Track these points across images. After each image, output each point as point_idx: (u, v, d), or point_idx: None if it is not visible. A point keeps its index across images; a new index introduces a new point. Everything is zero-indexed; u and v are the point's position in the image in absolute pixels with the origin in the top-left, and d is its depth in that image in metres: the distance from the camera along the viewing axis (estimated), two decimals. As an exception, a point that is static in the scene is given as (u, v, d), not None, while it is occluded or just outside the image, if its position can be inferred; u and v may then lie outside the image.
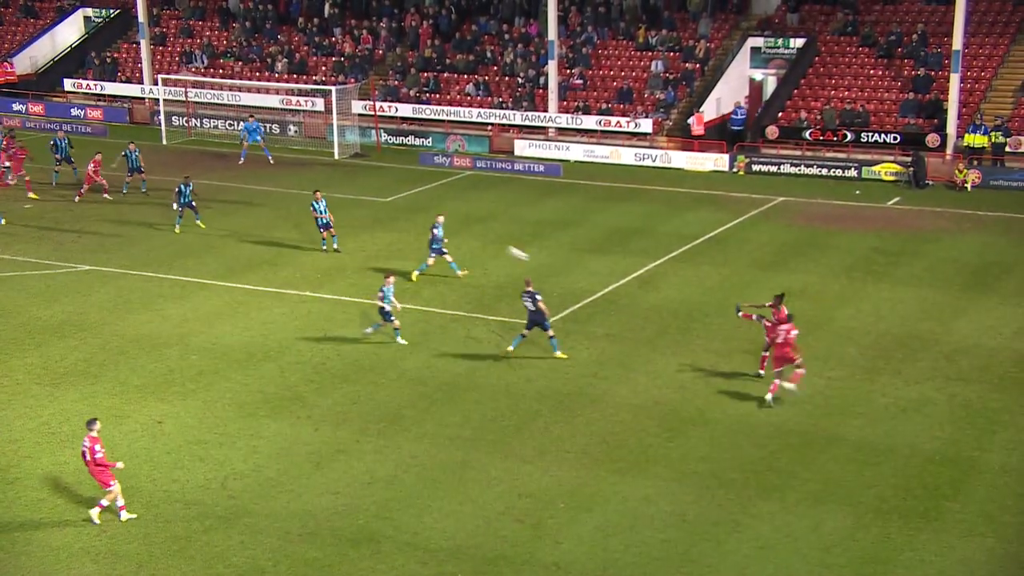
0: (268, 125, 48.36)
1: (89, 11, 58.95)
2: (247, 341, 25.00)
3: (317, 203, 31.41)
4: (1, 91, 54.80)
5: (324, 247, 31.76)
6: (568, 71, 48.73)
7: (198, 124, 49.83)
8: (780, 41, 47.23)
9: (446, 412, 21.45)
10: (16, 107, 53.18)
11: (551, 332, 23.85)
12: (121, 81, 54.15)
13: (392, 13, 54.43)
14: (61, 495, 18.27)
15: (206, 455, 19.70)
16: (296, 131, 49.06)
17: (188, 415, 21.27)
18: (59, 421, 20.86)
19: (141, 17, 52.78)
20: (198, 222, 33.86)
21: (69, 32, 58.51)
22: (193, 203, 33.77)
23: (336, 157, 45.53)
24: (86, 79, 54.55)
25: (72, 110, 52.66)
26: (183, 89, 50.20)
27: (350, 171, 43.46)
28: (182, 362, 23.78)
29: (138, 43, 53.84)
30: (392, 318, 24.65)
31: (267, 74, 52.68)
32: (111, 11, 58.28)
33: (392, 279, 24.85)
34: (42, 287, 28.62)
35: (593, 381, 22.90)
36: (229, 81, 51.16)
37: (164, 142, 47.22)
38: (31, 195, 37.56)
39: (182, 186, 33.64)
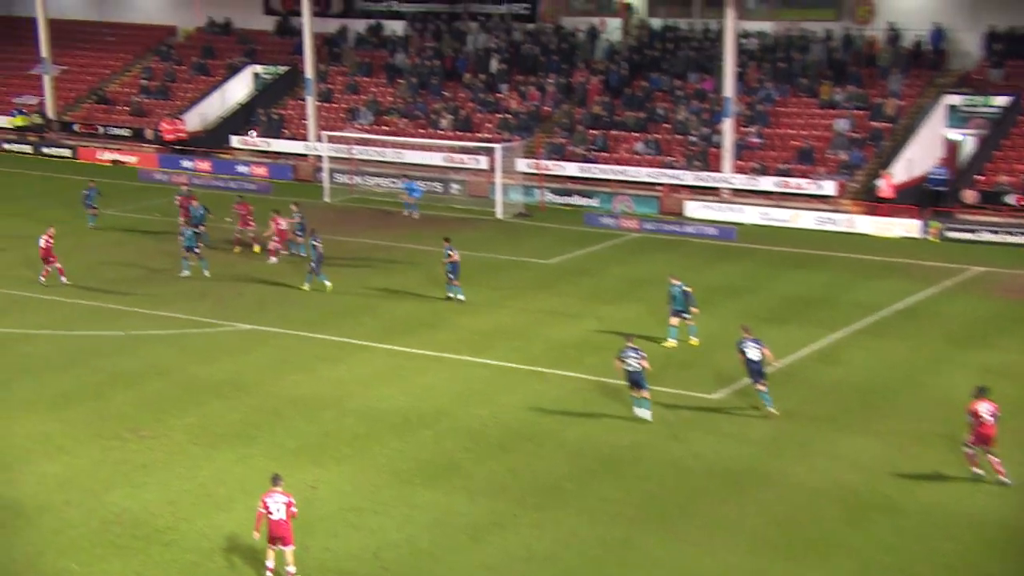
0: (430, 183, 49.60)
1: (259, 68, 61.97)
2: (404, 405, 25.43)
3: (450, 250, 33.33)
4: (172, 148, 58.01)
5: (450, 294, 33.41)
6: (744, 129, 48.37)
7: (361, 181, 51.50)
8: (981, 99, 45.85)
9: (608, 486, 21.27)
10: (185, 164, 56.13)
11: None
12: (286, 138, 56.58)
13: (560, 68, 55.28)
14: (216, 558, 18.86)
15: (360, 523, 20.04)
16: (459, 189, 50.13)
17: (342, 480, 21.71)
18: (215, 483, 21.57)
19: (308, 73, 55.15)
20: (325, 282, 34.68)
21: (238, 89, 61.61)
22: (313, 264, 34.49)
23: (499, 216, 46.23)
24: (253, 135, 57.21)
25: (238, 167, 55.22)
26: (347, 146, 52.06)
27: (513, 231, 44.01)
28: (338, 425, 24.34)
29: (304, 100, 56.22)
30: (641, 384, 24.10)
31: (431, 131, 54.14)
32: (280, 68, 61.12)
33: (632, 341, 24.64)
34: (203, 345, 29.88)
35: (767, 459, 22.36)
36: (393, 138, 52.80)
37: (327, 199, 48.96)
38: (266, 256, 38.44)
39: (313, 242, 34.68)
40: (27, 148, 60.94)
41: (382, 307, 33.34)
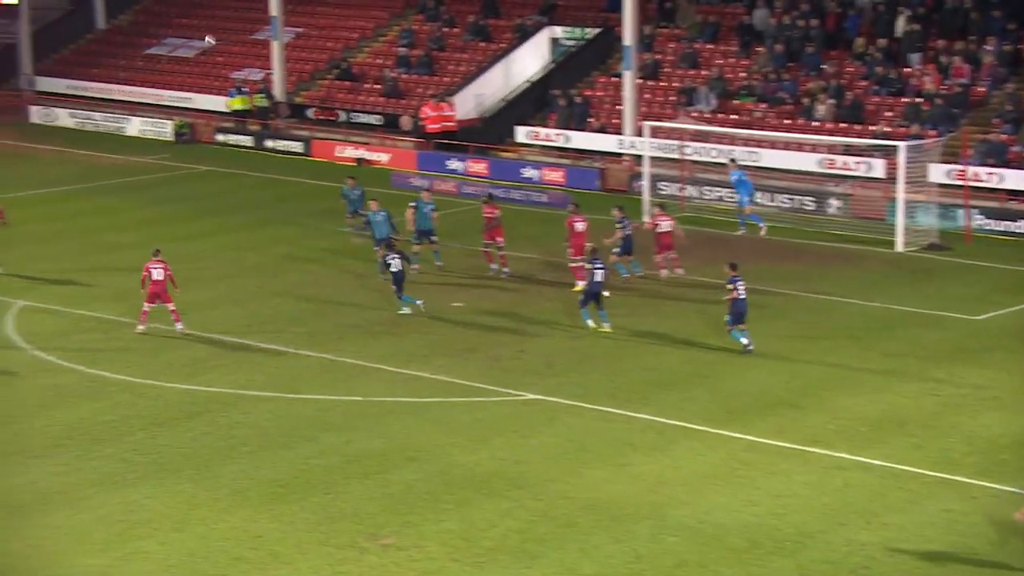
0: (797, 197, 49.16)
1: (559, 31, 63.31)
2: (750, 522, 25.15)
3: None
4: (438, 141, 60.05)
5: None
6: None
7: (697, 194, 51.53)
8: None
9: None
10: (452, 164, 58.10)
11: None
12: (592, 130, 57.53)
13: (1004, 30, 53.56)
14: None
15: None
16: (840, 207, 49.43)
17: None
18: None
19: (627, 39, 55.92)
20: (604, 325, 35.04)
21: (529, 61, 63.16)
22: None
23: (899, 249, 45.28)
24: (545, 127, 58.44)
25: (522, 170, 56.54)
26: (678, 142, 52.18)
27: (919, 271, 43.03)
28: (654, 546, 24.32)
29: (620, 76, 57.05)
30: None
31: (802, 121, 53.72)
32: (587, 31, 62.18)
33: None
34: (469, 421, 30.58)
35: None
36: (745, 132, 52.67)
37: (644, 219, 49.43)
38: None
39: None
40: (246, 140, 64.92)
41: (722, 375, 33.23)
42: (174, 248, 43.91)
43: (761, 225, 46.72)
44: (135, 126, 68.03)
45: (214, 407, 31.39)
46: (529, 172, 56.33)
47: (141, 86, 71.24)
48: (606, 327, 36.35)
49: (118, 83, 72.09)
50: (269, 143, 64.06)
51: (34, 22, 76.65)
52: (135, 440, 29.32)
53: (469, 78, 63.01)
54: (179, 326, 36.23)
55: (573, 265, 40.32)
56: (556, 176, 55.77)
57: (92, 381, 32.97)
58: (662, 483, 27.01)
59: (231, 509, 25.99)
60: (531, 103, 60.86)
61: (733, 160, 48.84)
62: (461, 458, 28.46)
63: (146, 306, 36.07)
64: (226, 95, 67.08)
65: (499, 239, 42.07)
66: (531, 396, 32.09)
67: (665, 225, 41.44)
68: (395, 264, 37.88)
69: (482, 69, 63.24)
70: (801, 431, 29.50)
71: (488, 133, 60.30)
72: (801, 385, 32.48)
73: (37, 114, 71.01)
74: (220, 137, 65.67)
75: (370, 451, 28.72)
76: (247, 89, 66.63)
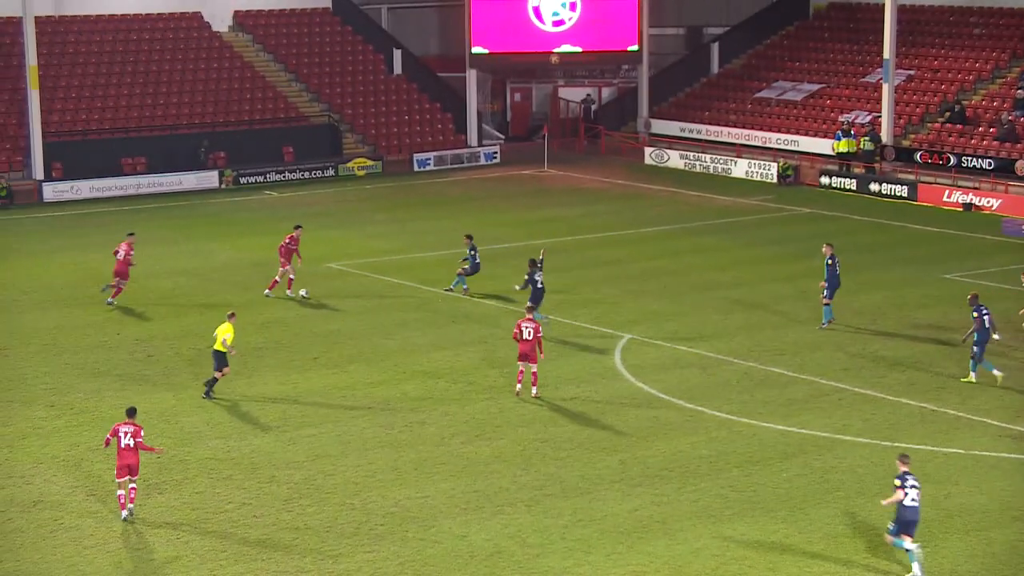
0: None
1: None
2: None
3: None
4: None
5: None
6: None
7: None
8: None
9: None
10: None
11: None
12: None
13: None
14: None
15: None
16: None
17: None
18: None
19: None
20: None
21: None
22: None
23: None
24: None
25: None
26: None
27: None
28: None
29: None
30: None
31: None
32: None
33: None
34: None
35: None
36: None
37: None
38: None
39: None
40: (849, 183, 64.39)
41: None
42: (773, 288, 44.24)
43: None
44: (741, 168, 68.89)
45: (809, 449, 31.21)
46: None
47: (749, 128, 72.24)
48: None
49: (727, 126, 73.38)
50: (873, 186, 63.24)
51: (653, 67, 79.34)
52: (731, 476, 29.55)
53: (1091, 122, 60.12)
54: None
55: None
56: None
57: (691, 416, 33.50)
58: None
59: (825, 553, 25.77)
60: None
61: None
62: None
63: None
64: (832, 138, 66.92)
65: None
66: None
67: None
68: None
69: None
70: None
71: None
72: None
73: (650, 155, 73.20)
74: (824, 179, 65.46)
75: (971, 507, 27.76)
76: (854, 132, 66.21)
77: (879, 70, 66.64)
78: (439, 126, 75.94)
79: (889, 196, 62.18)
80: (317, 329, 41.21)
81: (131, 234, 44.45)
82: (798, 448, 31.20)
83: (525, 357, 34.27)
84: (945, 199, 60.18)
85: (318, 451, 31.21)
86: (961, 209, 58.92)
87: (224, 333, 34.61)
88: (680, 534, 26.61)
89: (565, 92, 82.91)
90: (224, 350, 34.42)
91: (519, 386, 34.66)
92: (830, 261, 40.24)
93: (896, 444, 31.07)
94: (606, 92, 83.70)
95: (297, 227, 44.96)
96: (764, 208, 61.31)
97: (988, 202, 58.60)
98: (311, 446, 31.53)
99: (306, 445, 31.59)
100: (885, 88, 65.58)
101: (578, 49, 76.89)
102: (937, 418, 33.23)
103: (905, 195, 61.68)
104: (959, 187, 60.46)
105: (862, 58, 72.34)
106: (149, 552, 26.08)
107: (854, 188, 63.93)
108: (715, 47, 79.99)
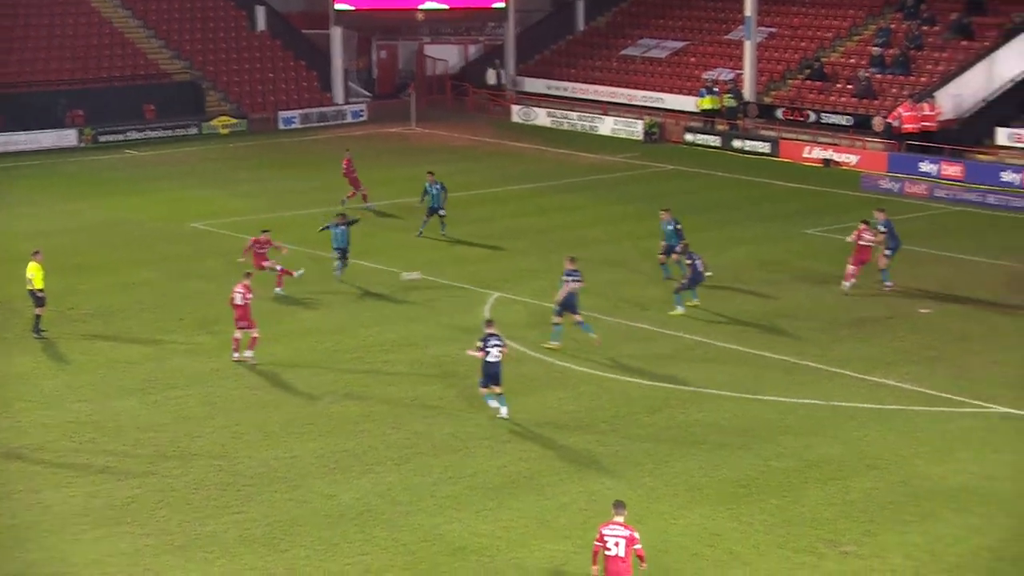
0: None
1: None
2: None
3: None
4: (910, 143, 58.64)
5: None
6: None
7: None
8: None
9: None
10: (924, 167, 56.49)
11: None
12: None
13: None
14: None
15: None
16: None
17: None
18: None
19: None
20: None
21: (1014, 61, 60.99)
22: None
23: None
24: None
25: (1002, 173, 54.61)
26: None
27: None
28: None
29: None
30: None
31: None
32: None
33: None
34: (934, 432, 29.77)
35: None
36: None
37: None
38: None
39: None
40: (713, 140, 65.13)
41: None
42: (638, 245, 44.70)
43: None
44: (607, 125, 69.30)
45: (674, 403, 31.63)
46: (1009, 176, 54.35)
47: (615, 86, 72.58)
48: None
49: (593, 83, 73.69)
50: (736, 143, 64.01)
51: (519, 24, 79.37)
52: (598, 431, 29.89)
53: (947, 78, 61.31)
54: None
55: None
56: (1035, 182, 53.66)
57: (559, 373, 33.75)
58: None
59: (689, 505, 26.20)
60: (1015, 104, 58.66)
61: None
62: (925, 469, 27.76)
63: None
64: (696, 95, 67.52)
65: None
66: (1004, 409, 30.91)
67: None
68: None
69: (962, 68, 61.34)
70: None
71: (964, 135, 58.46)
72: None
73: (518, 113, 73.34)
74: (688, 136, 66.11)
75: (829, 457, 28.37)
76: (717, 89, 66.87)
77: (741, 27, 67.22)
78: (304, 84, 75.40)
79: (752, 153, 62.95)
80: (183, 290, 40.88)
81: None
82: (663, 402, 31.61)
83: (241, 320, 34.20)
84: (805, 155, 61.14)
85: (184, 413, 31.05)
86: (821, 165, 59.85)
87: (30, 272, 35.96)
88: (548, 489, 26.88)
89: (431, 49, 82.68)
90: (35, 288, 35.82)
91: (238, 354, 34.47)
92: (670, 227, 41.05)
93: (758, 396, 31.70)
94: (472, 49, 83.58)
95: (264, 231, 42.50)
96: (630, 165, 61.76)
97: (847, 158, 59.56)
98: (176, 408, 31.35)
99: (171, 407, 31.40)
100: (747, 45, 66.23)
101: (444, 7, 76.73)
102: (798, 370, 33.84)
103: (767, 152, 62.50)
104: (819, 143, 61.45)
105: (725, 15, 72.78)
106: (11, 518, 25.77)
107: (718, 145, 64.60)
108: (580, 4, 79.89)
